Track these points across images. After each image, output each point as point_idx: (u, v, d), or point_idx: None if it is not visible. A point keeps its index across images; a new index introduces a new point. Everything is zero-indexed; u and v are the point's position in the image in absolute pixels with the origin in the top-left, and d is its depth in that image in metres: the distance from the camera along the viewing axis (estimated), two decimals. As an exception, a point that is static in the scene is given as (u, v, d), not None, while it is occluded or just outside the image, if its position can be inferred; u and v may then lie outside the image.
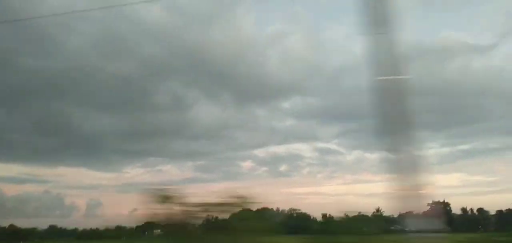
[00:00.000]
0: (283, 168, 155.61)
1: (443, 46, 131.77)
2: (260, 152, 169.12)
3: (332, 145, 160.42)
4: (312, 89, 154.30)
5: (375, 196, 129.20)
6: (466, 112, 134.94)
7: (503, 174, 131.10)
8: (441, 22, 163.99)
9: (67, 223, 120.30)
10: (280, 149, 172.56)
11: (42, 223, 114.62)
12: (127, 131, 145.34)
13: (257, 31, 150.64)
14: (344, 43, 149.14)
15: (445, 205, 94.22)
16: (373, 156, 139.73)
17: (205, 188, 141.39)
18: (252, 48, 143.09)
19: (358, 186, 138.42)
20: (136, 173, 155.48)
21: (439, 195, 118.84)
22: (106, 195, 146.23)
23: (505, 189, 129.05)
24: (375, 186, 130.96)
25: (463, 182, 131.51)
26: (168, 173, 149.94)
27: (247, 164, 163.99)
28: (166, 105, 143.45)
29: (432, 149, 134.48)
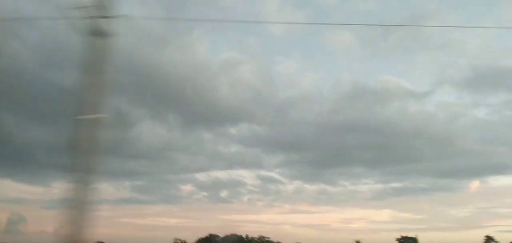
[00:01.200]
0: (224, 193, 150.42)
1: (382, 89, 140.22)
2: (201, 176, 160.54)
3: (274, 174, 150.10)
4: (259, 117, 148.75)
5: (310, 227, 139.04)
6: (400, 152, 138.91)
7: (428, 213, 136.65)
8: (382, 67, 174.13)
9: None
10: (222, 175, 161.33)
11: None
12: (62, 144, 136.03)
13: (209, 57, 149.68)
14: (293, 77, 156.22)
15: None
16: (312, 188, 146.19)
17: (141, 210, 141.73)
18: (203, 73, 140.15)
19: (295, 216, 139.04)
20: (66, 188, 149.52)
21: (370, 230, 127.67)
22: (32, 210, 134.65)
23: (430, 227, 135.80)
24: (311, 217, 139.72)
25: (393, 218, 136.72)
26: (104, 191, 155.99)
27: (187, 188, 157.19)
28: (107, 121, 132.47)
29: (367, 184, 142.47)
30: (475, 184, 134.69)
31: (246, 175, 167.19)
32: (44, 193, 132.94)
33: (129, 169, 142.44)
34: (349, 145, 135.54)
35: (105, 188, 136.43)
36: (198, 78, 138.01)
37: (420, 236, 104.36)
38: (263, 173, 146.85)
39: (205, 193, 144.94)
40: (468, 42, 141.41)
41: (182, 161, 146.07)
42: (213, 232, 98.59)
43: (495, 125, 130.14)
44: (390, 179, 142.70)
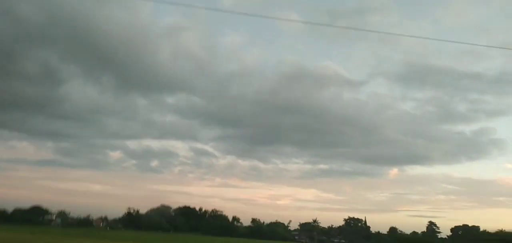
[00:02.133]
0: (154, 163, 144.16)
1: (321, 74, 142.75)
2: (132, 144, 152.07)
3: (208, 148, 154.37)
4: (199, 89, 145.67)
5: (239, 201, 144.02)
6: (330, 136, 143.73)
7: (350, 195, 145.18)
8: (324, 52, 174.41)
9: None
10: (154, 144, 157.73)
11: None
12: None
13: (153, 19, 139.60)
14: (237, 52, 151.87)
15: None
16: (244, 163, 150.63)
17: (64, 173, 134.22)
18: (144, 35, 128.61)
19: (225, 189, 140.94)
20: None
21: (295, 207, 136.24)
22: None
23: (349, 208, 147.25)
24: (240, 191, 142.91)
25: (317, 198, 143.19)
26: (23, 150, 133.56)
27: (116, 154, 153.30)
28: (34, 75, 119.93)
29: (297, 164, 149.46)
30: (393, 171, 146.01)
31: (179, 146, 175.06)
32: None
33: (54, 130, 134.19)
34: (284, 125, 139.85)
35: (25, 147, 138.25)
36: (138, 40, 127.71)
37: (339, 216, 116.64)
38: (198, 145, 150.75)
39: (134, 161, 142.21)
40: (404, 38, 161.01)
41: (113, 126, 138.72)
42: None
43: (418, 118, 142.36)
44: (318, 161, 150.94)
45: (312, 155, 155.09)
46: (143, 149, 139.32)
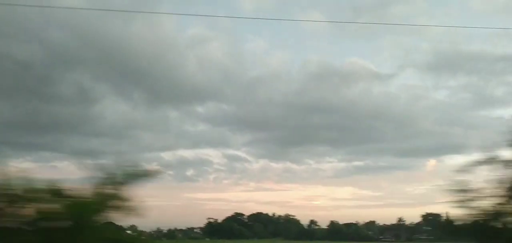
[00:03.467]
0: (189, 172, 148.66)
1: (349, 70, 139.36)
2: (167, 155, 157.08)
3: (240, 153, 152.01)
4: (227, 96, 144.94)
5: (274, 204, 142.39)
6: (363, 132, 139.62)
7: (386, 190, 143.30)
8: (350, 48, 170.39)
9: None
10: (188, 153, 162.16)
11: None
12: (20, 120, 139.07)
13: (177, 32, 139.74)
14: (262, 57, 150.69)
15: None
16: (277, 166, 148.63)
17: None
18: (170, 49, 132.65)
19: (260, 193, 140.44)
20: (24, 167, 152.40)
21: (332, 206, 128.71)
22: None
23: (387, 203, 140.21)
24: (275, 194, 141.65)
25: (353, 195, 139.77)
26: (63, 170, 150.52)
27: (151, 167, 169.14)
28: (69, 97, 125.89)
29: (331, 163, 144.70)
30: (431, 162, 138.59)
31: (212, 153, 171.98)
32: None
33: (91, 147, 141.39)
34: (314, 125, 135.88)
35: (66, 167, 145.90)
36: (165, 54, 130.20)
37: (377, 213, 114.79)
38: (230, 151, 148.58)
39: (170, 172, 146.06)
40: (432, 26, 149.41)
41: (147, 140, 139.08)
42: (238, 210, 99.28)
43: (452, 107, 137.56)
44: (353, 158, 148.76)
45: (346, 153, 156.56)
46: (178, 160, 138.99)
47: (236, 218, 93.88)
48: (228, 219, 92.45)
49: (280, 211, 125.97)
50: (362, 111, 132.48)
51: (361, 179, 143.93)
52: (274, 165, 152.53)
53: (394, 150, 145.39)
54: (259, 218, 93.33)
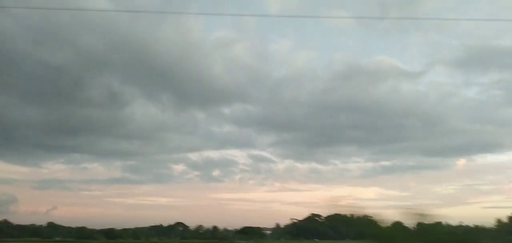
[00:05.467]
0: (215, 173, 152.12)
1: (376, 68, 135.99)
2: (194, 156, 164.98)
3: (266, 153, 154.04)
4: (253, 97, 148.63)
5: (298, 204, 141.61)
6: (391, 131, 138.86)
7: (414, 190, 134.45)
8: (377, 46, 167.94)
9: None
10: (215, 154, 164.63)
11: None
12: (52, 124, 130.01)
13: (204, 35, 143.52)
14: (287, 57, 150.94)
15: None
16: (302, 166, 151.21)
17: (132, 189, 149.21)
18: (197, 51, 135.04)
19: (284, 194, 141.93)
20: (57, 169, 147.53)
21: (357, 207, 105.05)
22: (22, 190, 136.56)
23: (414, 204, 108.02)
24: (299, 194, 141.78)
25: (379, 196, 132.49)
26: (94, 171, 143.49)
27: (179, 167, 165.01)
28: (99, 100, 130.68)
29: (358, 163, 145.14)
30: (461, 162, 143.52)
31: (238, 154, 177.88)
32: (34, 173, 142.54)
33: (120, 149, 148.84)
34: (341, 125, 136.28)
35: (95, 168, 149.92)
36: (192, 56, 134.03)
37: (404, 213, 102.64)
38: (255, 152, 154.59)
39: (197, 173, 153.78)
40: (461, 22, 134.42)
41: (175, 141, 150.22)
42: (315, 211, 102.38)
43: (484, 104, 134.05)
44: (380, 158, 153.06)
45: (373, 153, 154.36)
46: (204, 160, 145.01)
47: (313, 218, 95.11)
48: (306, 220, 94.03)
49: (304, 212, 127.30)
50: (390, 110, 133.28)
51: (388, 179, 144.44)
52: (299, 165, 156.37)
53: (423, 149, 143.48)
54: (336, 219, 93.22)
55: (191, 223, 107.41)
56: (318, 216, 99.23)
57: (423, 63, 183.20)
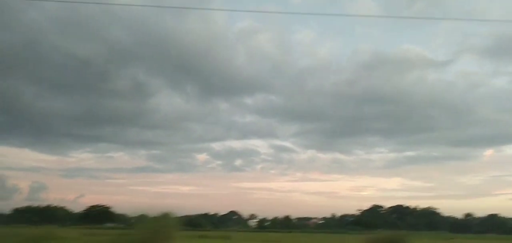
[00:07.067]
0: (237, 162, 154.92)
1: (402, 58, 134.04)
2: (216, 146, 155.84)
3: (288, 144, 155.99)
4: (276, 87, 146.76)
5: (320, 194, 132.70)
6: (416, 121, 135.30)
7: (438, 181, 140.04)
8: (403, 35, 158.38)
9: (6, 206, 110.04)
10: (237, 144, 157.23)
11: None
12: (80, 114, 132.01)
13: (227, 25, 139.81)
14: (310, 47, 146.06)
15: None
16: (325, 156, 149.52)
17: (156, 177, 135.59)
18: (221, 42, 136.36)
19: (305, 184, 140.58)
20: (84, 158, 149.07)
21: (379, 197, 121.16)
22: (50, 178, 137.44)
23: (438, 195, 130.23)
24: (322, 185, 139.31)
25: (402, 186, 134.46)
26: (119, 160, 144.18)
27: (202, 157, 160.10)
28: (125, 91, 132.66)
29: (381, 153, 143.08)
30: (489, 152, 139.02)
31: (260, 144, 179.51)
32: (62, 162, 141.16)
33: (146, 139, 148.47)
34: (365, 115, 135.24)
35: (121, 157, 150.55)
36: (216, 48, 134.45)
37: (427, 204, 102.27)
38: (277, 142, 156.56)
39: (219, 162, 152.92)
40: (491, 9, 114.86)
41: (198, 131, 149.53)
42: (377, 203, 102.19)
43: None
44: (404, 148, 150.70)
45: (398, 143, 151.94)
46: (227, 150, 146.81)
47: (375, 210, 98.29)
48: (368, 211, 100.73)
49: (325, 202, 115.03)
50: (415, 100, 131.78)
51: (412, 169, 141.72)
52: (321, 155, 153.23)
53: (449, 140, 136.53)
54: (398, 210, 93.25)
55: (244, 212, 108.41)
56: (380, 207, 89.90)
57: (451, 52, 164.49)
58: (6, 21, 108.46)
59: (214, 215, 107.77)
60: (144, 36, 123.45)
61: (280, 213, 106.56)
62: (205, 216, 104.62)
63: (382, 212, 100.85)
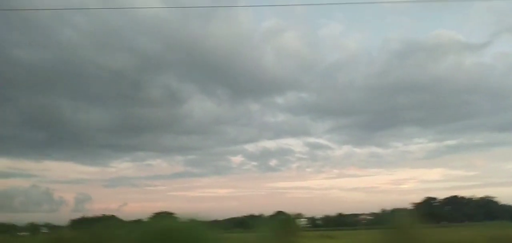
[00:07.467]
0: (273, 163, 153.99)
1: (435, 44, 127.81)
2: (250, 147, 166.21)
3: (322, 140, 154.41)
4: (306, 84, 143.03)
5: (359, 190, 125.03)
6: (455, 108, 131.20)
7: (482, 169, 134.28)
8: (434, 20, 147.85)
9: (55, 218, 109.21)
10: (271, 144, 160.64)
11: (30, 218, 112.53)
12: (117, 125, 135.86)
13: (253, 26, 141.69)
14: (338, 40, 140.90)
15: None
16: (361, 151, 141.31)
17: (193, 182, 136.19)
18: (248, 43, 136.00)
19: (343, 180, 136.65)
20: (123, 167, 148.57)
21: (421, 189, 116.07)
22: (94, 189, 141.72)
23: (483, 183, 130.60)
24: (360, 180, 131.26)
25: (445, 177, 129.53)
26: (157, 167, 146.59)
27: (237, 159, 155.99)
28: (159, 99, 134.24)
29: (420, 144, 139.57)
30: None
31: (294, 143, 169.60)
32: (103, 173, 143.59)
33: (181, 144, 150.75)
34: (400, 106, 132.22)
35: (159, 164, 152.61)
36: (244, 49, 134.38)
37: (472, 193, 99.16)
38: (312, 140, 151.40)
39: (254, 163, 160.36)
40: None
41: (231, 133, 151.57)
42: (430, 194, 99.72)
43: None
44: (444, 137, 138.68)
45: (437, 132, 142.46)
46: (261, 151, 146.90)
47: (429, 202, 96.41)
48: (421, 204, 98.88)
49: (365, 198, 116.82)
50: (453, 86, 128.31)
51: (454, 159, 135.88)
52: (358, 150, 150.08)
53: (491, 125, 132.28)
54: (452, 201, 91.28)
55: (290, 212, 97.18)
56: (434, 199, 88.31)
57: (487, 33, 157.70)
58: (44, 40, 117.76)
59: (261, 216, 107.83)
60: (172, 43, 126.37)
61: (321, 211, 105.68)
62: (251, 217, 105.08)
63: (435, 204, 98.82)
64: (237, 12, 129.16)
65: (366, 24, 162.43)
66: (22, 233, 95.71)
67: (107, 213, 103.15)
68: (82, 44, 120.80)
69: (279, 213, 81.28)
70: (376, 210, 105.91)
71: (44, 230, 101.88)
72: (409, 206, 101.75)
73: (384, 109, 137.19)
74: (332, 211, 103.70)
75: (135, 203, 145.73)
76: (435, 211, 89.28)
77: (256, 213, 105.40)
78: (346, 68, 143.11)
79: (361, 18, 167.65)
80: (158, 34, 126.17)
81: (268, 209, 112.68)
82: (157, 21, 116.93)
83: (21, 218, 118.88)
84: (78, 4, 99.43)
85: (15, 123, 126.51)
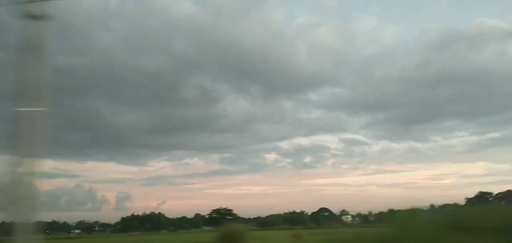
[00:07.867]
0: (307, 159, 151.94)
1: (476, 33, 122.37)
2: (284, 144, 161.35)
3: (358, 136, 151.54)
4: (341, 79, 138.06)
5: (397, 186, 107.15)
6: (498, 99, 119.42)
7: None
8: (474, 9, 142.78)
9: (98, 216, 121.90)
10: (305, 141, 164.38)
11: (74, 217, 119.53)
12: (154, 125, 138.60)
13: (285, 23, 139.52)
14: (373, 33, 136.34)
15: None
16: (399, 146, 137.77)
17: (229, 179, 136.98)
18: (281, 40, 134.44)
19: (380, 176, 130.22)
20: (161, 166, 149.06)
21: (463, 184, 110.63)
22: (133, 188, 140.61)
23: None
24: (398, 176, 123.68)
25: (488, 171, 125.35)
26: (194, 165, 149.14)
27: (271, 156, 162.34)
28: (194, 99, 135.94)
29: (462, 137, 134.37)
30: None
31: (329, 139, 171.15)
32: (142, 172, 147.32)
33: (217, 143, 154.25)
34: (439, 98, 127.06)
35: (196, 162, 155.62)
36: (276, 46, 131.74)
37: None
38: (347, 135, 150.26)
39: (288, 160, 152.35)
40: None
41: (266, 131, 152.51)
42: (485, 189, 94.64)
43: None
44: (487, 130, 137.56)
45: (479, 125, 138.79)
46: (295, 148, 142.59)
47: (483, 197, 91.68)
48: (475, 198, 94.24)
49: (404, 194, 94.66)
50: (495, 77, 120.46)
51: (497, 151, 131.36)
52: (395, 145, 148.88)
53: None
54: (509, 195, 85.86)
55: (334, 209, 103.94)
56: (489, 193, 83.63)
57: None
58: (83, 47, 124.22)
59: (302, 213, 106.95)
60: (207, 44, 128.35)
61: (358, 208, 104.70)
62: (293, 214, 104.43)
63: (491, 199, 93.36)
64: (269, 10, 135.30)
65: (401, 15, 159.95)
66: (76, 231, 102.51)
67: (147, 211, 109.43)
68: (120, 48, 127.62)
69: (322, 210, 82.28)
70: (416, 206, 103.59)
71: (96, 228, 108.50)
72: (457, 201, 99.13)
73: (423, 102, 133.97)
74: (372, 208, 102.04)
75: (173, 201, 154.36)
76: (490, 206, 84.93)
77: (297, 209, 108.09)
78: (382, 61, 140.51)
79: (397, 10, 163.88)
80: (192, 35, 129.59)
81: (305, 206, 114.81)
82: (191, 22, 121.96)
83: (67, 216, 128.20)
84: (115, 9, 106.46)
85: (59, 126, 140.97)
